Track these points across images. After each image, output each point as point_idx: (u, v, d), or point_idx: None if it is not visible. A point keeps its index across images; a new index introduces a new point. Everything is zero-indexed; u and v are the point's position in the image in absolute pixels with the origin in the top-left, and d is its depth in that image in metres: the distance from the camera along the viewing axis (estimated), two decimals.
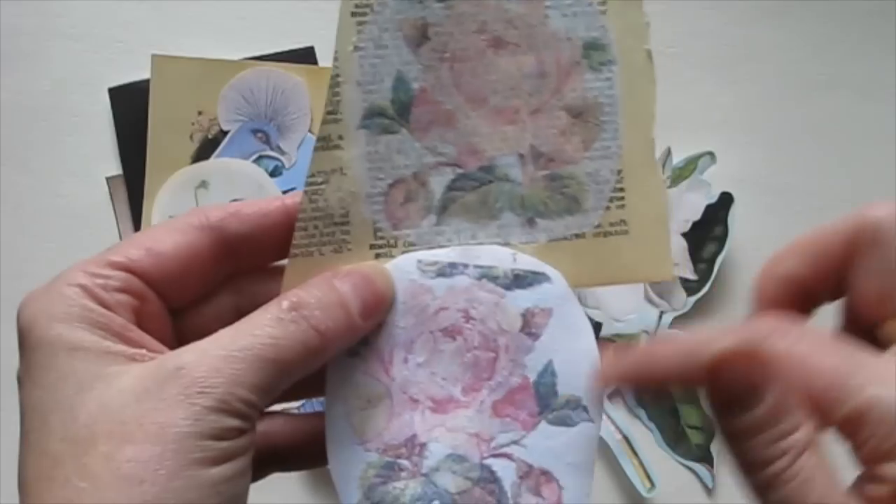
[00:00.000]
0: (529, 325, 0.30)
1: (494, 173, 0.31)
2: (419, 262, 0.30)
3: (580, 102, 0.31)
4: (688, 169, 0.61)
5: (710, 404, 0.25)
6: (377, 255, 0.31)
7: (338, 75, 0.30)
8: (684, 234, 0.61)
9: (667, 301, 0.61)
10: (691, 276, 0.61)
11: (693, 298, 0.61)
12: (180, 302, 0.31)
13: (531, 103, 0.31)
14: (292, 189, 0.61)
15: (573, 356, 0.30)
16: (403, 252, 0.31)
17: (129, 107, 0.62)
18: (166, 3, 0.64)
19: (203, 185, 0.61)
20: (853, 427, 0.23)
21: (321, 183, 0.30)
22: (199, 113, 0.62)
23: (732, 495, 0.60)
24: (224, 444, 0.26)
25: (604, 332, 0.60)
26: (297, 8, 0.63)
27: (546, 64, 0.30)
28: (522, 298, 0.30)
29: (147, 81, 0.62)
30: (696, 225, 0.61)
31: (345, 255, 0.30)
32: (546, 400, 0.30)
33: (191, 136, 0.62)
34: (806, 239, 0.27)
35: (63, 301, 0.27)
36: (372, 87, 0.30)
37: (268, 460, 0.32)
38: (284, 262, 0.31)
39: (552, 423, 0.30)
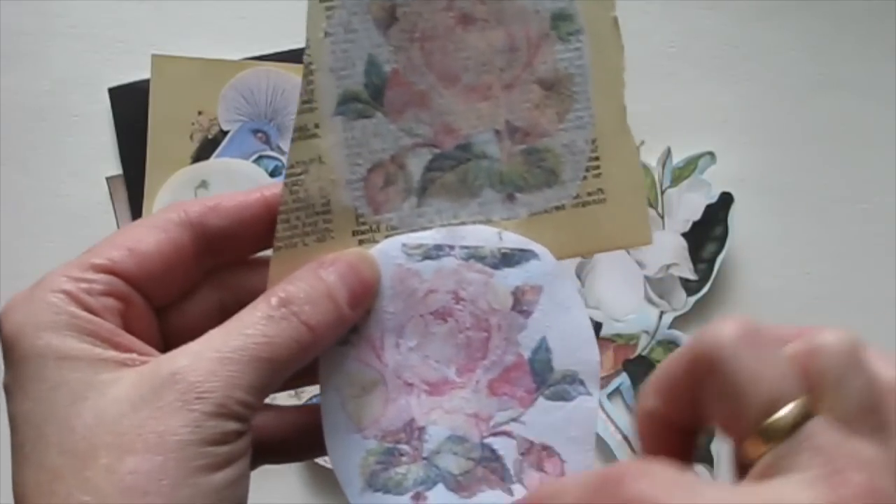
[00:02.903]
0: (520, 303, 0.30)
1: (472, 151, 0.31)
2: (404, 245, 0.30)
3: (552, 74, 0.30)
4: (688, 169, 0.61)
5: None
6: (360, 242, 0.30)
7: (310, 63, 0.30)
8: (684, 234, 0.61)
9: (667, 301, 0.61)
10: (691, 276, 0.61)
11: (693, 298, 0.61)
12: (164, 300, 0.30)
13: (503, 78, 0.30)
14: None
15: (567, 331, 0.30)
16: (386, 237, 0.30)
17: (129, 107, 0.62)
18: (166, 3, 0.64)
19: (203, 185, 0.61)
20: None
21: (300, 173, 0.30)
22: (199, 113, 0.62)
23: None
24: (225, 448, 0.26)
25: (604, 332, 0.60)
26: (297, 8, 0.63)
27: (516, 38, 0.30)
28: (512, 276, 0.30)
29: (147, 81, 0.62)
30: (696, 225, 0.61)
31: (328, 243, 0.30)
32: (542, 376, 0.30)
33: (191, 136, 0.62)
34: (657, 372, 0.27)
35: (48, 309, 0.27)
36: (344, 72, 0.30)
37: (258, 453, 0.32)
38: (266, 253, 0.31)
39: (550, 398, 0.30)
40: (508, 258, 0.30)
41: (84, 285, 0.28)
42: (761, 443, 0.23)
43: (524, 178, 0.31)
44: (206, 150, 0.62)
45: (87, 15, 0.63)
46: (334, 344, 0.30)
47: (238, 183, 0.61)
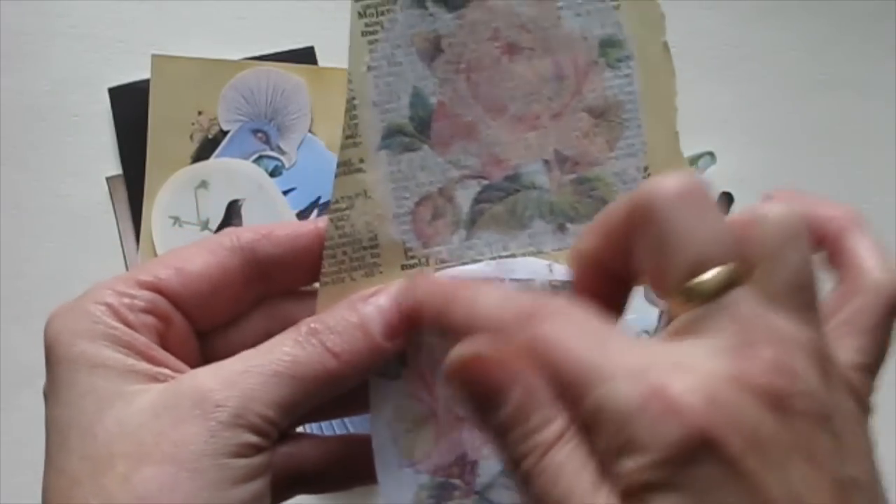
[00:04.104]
0: None
1: (521, 182, 0.30)
2: (454, 279, 0.30)
3: (601, 102, 0.30)
4: None
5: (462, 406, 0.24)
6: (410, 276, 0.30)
7: (353, 98, 0.30)
8: None
9: None
10: None
11: None
12: (209, 323, 0.30)
13: (552, 107, 0.30)
14: (292, 189, 0.61)
15: None
16: (436, 270, 0.30)
17: (129, 107, 0.62)
18: (166, 3, 0.64)
19: (203, 185, 0.61)
20: (590, 426, 0.22)
21: (346, 208, 0.30)
22: (199, 113, 0.62)
23: None
24: (241, 461, 0.26)
25: None
26: (297, 8, 0.63)
27: (563, 66, 0.30)
28: None
29: (147, 81, 0.62)
30: None
31: (376, 277, 0.30)
32: None
33: (191, 136, 0.62)
34: (597, 219, 0.26)
35: (87, 318, 0.27)
36: (389, 105, 0.30)
37: (294, 482, 0.31)
38: (317, 285, 0.30)
39: None
40: (559, 290, 0.30)
41: (126, 300, 0.28)
42: (684, 302, 0.23)
43: (575, 207, 0.30)
44: (206, 150, 0.62)
45: (87, 15, 0.63)
46: (384, 378, 0.30)
47: (238, 183, 0.61)
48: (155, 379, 0.27)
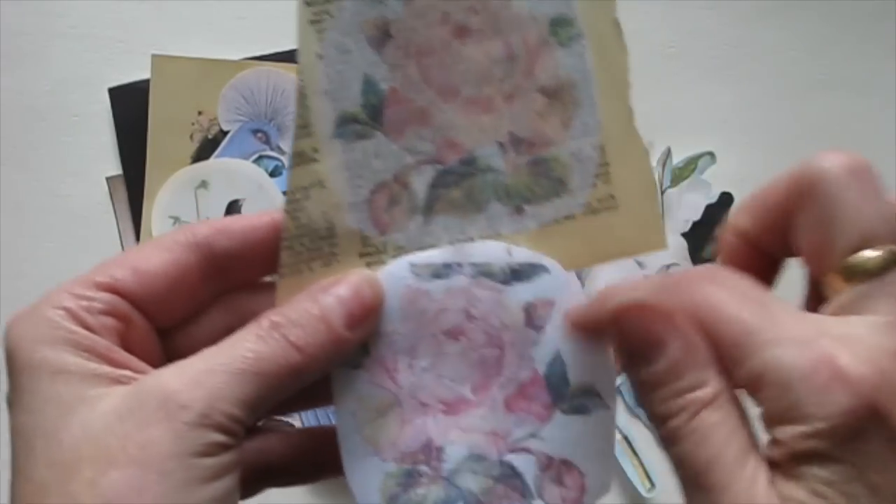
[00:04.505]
0: (533, 319, 0.30)
1: (476, 165, 0.30)
2: (412, 265, 0.30)
3: (554, 82, 0.30)
4: (688, 169, 0.61)
5: (617, 354, 0.24)
6: (368, 264, 0.30)
7: (304, 87, 0.29)
8: (684, 234, 0.61)
9: None
10: None
11: None
12: (168, 322, 0.30)
13: (504, 89, 0.30)
14: None
15: (580, 344, 0.30)
16: (394, 257, 0.30)
17: (129, 107, 0.62)
18: (166, 3, 0.64)
19: (203, 185, 0.61)
20: (752, 388, 0.22)
21: (301, 199, 0.30)
22: (199, 113, 0.62)
23: None
24: (209, 461, 0.26)
25: None
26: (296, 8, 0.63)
27: (514, 46, 0.30)
28: (522, 292, 0.30)
29: (147, 81, 0.62)
30: (696, 225, 0.61)
31: (334, 267, 0.30)
32: (558, 390, 0.30)
33: (191, 136, 0.62)
34: (756, 192, 0.26)
35: (47, 324, 0.27)
36: (340, 94, 0.29)
37: (262, 476, 0.31)
38: (276, 277, 0.30)
39: (567, 412, 0.30)
40: (518, 273, 0.30)
41: (84, 303, 0.28)
42: (843, 279, 0.23)
43: (531, 189, 0.30)
44: (206, 150, 0.62)
45: (87, 15, 0.63)
46: (347, 367, 0.30)
47: (238, 183, 0.61)
48: (118, 381, 0.27)
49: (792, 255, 0.26)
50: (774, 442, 0.22)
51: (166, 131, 0.61)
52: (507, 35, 0.30)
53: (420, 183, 0.30)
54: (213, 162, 0.62)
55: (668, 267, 0.60)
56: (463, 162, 0.30)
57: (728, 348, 0.22)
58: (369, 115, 0.30)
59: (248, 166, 0.62)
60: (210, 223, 0.30)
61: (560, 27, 0.30)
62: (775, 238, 0.25)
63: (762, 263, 0.27)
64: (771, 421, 0.22)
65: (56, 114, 0.63)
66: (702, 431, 0.22)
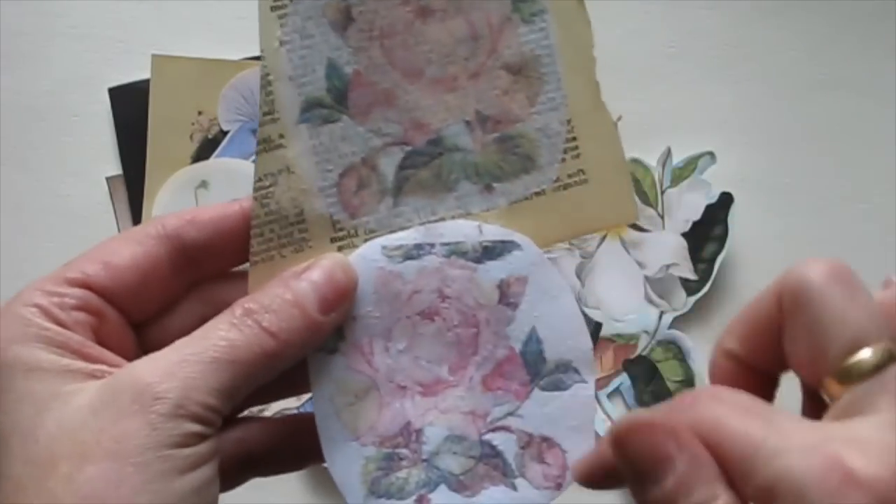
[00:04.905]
0: (507, 296, 0.30)
1: (444, 145, 0.30)
2: (384, 248, 0.30)
3: (518, 58, 0.30)
4: (688, 169, 0.61)
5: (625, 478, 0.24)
6: (340, 248, 0.30)
7: (268, 74, 0.29)
8: (684, 234, 0.61)
9: (667, 301, 0.61)
10: (691, 276, 0.61)
11: (693, 298, 0.60)
12: (141, 315, 0.30)
13: (469, 67, 0.30)
14: None
15: (556, 320, 0.30)
16: (365, 240, 0.30)
17: (129, 107, 0.62)
18: (166, 3, 0.64)
19: (203, 185, 0.61)
20: (764, 501, 0.22)
21: (269, 186, 0.30)
22: (199, 113, 0.62)
23: None
24: (185, 451, 0.26)
25: (604, 332, 0.60)
26: None
27: (477, 25, 0.30)
28: (495, 269, 0.30)
29: (147, 81, 0.62)
30: (696, 225, 0.61)
31: (306, 252, 0.30)
32: (535, 367, 0.30)
33: (191, 136, 0.62)
34: (739, 314, 0.26)
35: (19, 321, 0.27)
36: (304, 79, 0.30)
37: (245, 466, 0.31)
38: (247, 265, 0.30)
39: (545, 388, 0.30)
40: (490, 251, 0.30)
41: (56, 299, 0.28)
42: (840, 383, 0.23)
43: (500, 166, 0.30)
44: (206, 150, 0.62)
45: (87, 15, 0.63)
46: (322, 353, 0.30)
47: (238, 183, 0.61)
48: (92, 376, 0.27)
49: (785, 368, 0.26)
50: None
51: (166, 131, 0.61)
52: (470, 13, 0.30)
53: (388, 165, 0.30)
54: (213, 162, 0.62)
55: (668, 267, 0.60)
56: (430, 142, 0.30)
57: (736, 463, 0.22)
58: (334, 99, 0.30)
59: (248, 166, 0.62)
60: (179, 214, 0.30)
61: (522, 3, 0.30)
62: (766, 355, 0.25)
63: (757, 382, 0.26)
64: None
65: (56, 114, 0.63)
66: None
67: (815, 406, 0.24)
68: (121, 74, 0.62)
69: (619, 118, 0.31)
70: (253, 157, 0.62)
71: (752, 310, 0.26)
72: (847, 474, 0.21)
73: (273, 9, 0.29)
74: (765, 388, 0.27)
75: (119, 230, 0.62)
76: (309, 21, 0.29)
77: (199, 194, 0.61)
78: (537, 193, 0.30)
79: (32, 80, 0.63)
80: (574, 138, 0.30)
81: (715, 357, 0.27)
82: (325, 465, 0.30)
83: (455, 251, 0.30)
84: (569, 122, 0.30)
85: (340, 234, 0.30)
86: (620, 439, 0.24)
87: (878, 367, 0.22)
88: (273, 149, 0.30)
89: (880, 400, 0.22)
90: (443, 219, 0.30)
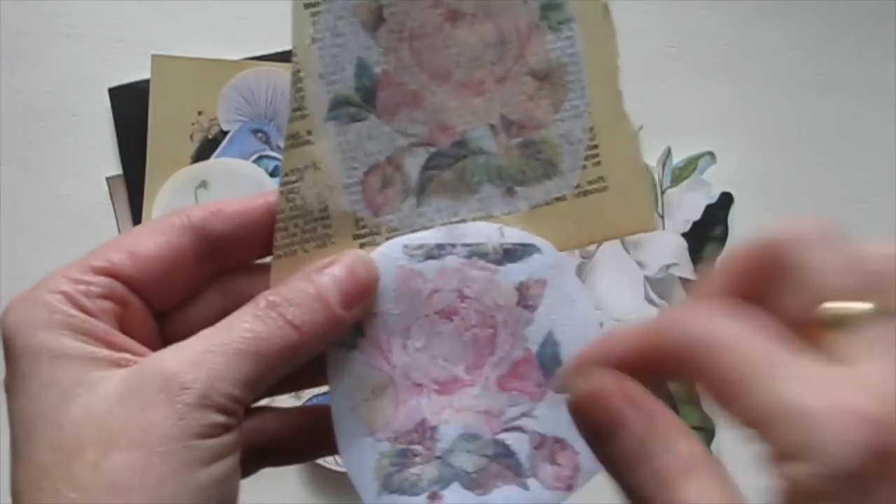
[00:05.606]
0: (525, 298, 0.30)
1: (468, 147, 0.30)
2: (405, 246, 0.30)
3: (544, 65, 0.30)
4: (688, 169, 0.61)
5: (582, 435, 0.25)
6: (362, 245, 0.30)
7: (298, 70, 0.30)
8: (684, 234, 0.61)
9: (667, 301, 0.61)
10: (691, 276, 0.61)
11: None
12: (165, 304, 0.30)
13: (495, 72, 0.30)
14: None
15: (573, 323, 0.30)
16: (387, 238, 0.30)
17: (129, 107, 0.62)
18: (166, 3, 0.64)
19: (203, 185, 0.61)
20: (761, 422, 0.22)
21: (296, 181, 0.30)
22: (199, 113, 0.62)
23: None
24: (210, 442, 0.26)
25: (604, 332, 0.60)
26: None
27: (505, 30, 0.30)
28: (515, 272, 0.30)
29: (147, 81, 0.62)
30: (696, 225, 0.61)
31: (329, 248, 0.30)
32: (551, 369, 0.30)
33: (191, 136, 0.62)
34: (717, 268, 0.26)
35: (45, 308, 0.27)
36: (334, 77, 0.30)
37: (258, 456, 0.32)
38: (270, 258, 0.30)
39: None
40: (511, 254, 0.30)
41: (82, 287, 0.28)
42: (828, 332, 0.23)
43: (522, 171, 0.31)
44: (206, 150, 0.62)
45: (87, 15, 0.63)
46: (341, 348, 0.30)
47: (238, 183, 0.61)
48: (117, 364, 0.27)
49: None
50: (779, 479, 0.21)
51: (166, 131, 0.61)
52: (499, 19, 0.30)
53: (413, 165, 0.30)
54: (213, 162, 0.62)
55: (668, 267, 0.61)
56: (455, 144, 0.30)
57: (735, 381, 0.22)
58: (363, 98, 0.30)
59: (248, 166, 0.62)
60: (205, 206, 0.30)
61: (550, 11, 0.30)
62: (746, 295, 0.25)
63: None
64: (780, 457, 0.21)
65: (56, 114, 0.63)
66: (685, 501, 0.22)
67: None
68: (121, 74, 0.62)
69: (641, 127, 0.32)
70: (252, 158, 0.62)
71: (732, 263, 0.25)
72: (854, 411, 0.21)
73: (306, 6, 0.30)
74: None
75: (119, 230, 0.62)
76: (341, 20, 0.30)
77: (199, 194, 0.61)
78: (558, 199, 0.31)
79: (32, 80, 0.63)
80: (595, 146, 0.30)
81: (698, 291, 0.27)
82: (339, 458, 0.31)
83: (476, 252, 0.30)
84: (591, 129, 0.30)
85: (363, 231, 0.30)
86: (577, 406, 0.24)
87: (862, 319, 0.22)
88: (300, 145, 0.30)
89: (868, 349, 0.22)
90: (464, 220, 0.31)
